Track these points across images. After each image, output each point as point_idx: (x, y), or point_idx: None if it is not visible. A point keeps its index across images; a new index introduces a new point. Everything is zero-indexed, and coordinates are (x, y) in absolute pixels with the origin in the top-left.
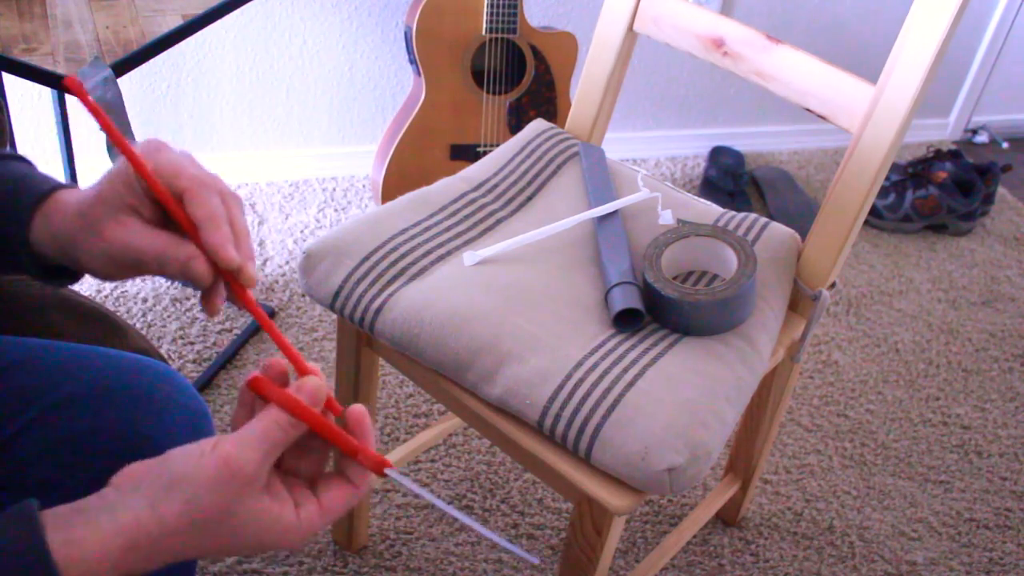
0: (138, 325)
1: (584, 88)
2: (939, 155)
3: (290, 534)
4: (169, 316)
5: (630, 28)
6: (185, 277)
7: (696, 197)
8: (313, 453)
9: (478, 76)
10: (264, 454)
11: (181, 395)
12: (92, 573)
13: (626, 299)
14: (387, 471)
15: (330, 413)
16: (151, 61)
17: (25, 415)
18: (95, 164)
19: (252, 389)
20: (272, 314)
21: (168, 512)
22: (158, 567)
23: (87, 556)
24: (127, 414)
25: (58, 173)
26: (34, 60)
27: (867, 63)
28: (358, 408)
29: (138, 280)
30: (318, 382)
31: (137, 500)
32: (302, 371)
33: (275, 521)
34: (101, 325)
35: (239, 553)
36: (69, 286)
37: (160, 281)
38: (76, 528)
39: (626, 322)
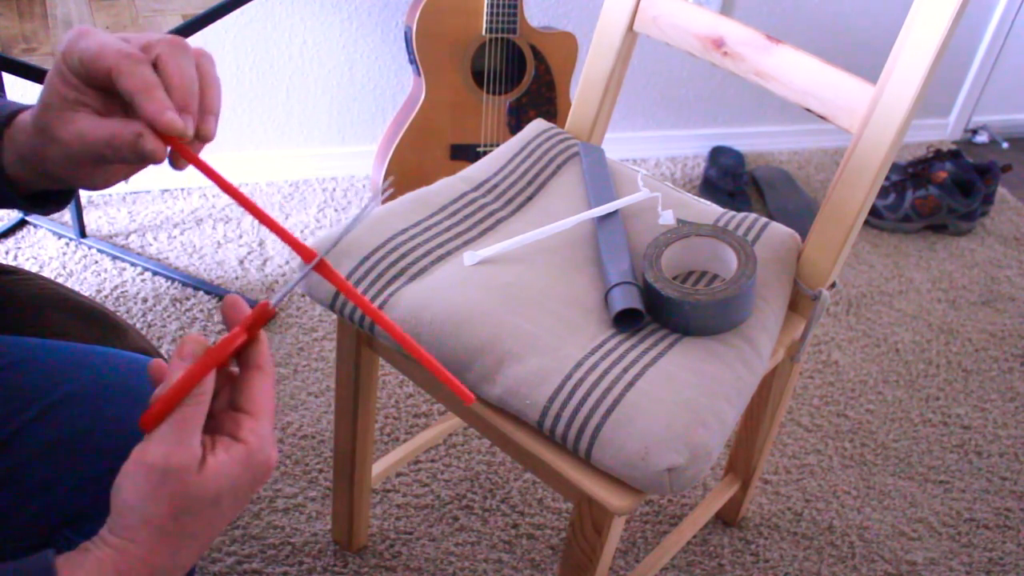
0: (138, 325)
1: (584, 88)
2: (939, 155)
3: (253, 463)
4: (169, 316)
5: (630, 28)
6: (141, 157)
7: (696, 197)
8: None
9: (478, 76)
10: (181, 438)
11: None
12: None
13: (626, 299)
14: (270, 303)
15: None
16: None
17: (25, 415)
18: None
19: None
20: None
21: (136, 537)
22: (171, 571)
23: None
24: (126, 413)
25: None
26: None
27: (867, 63)
28: (228, 299)
29: (138, 280)
30: (194, 340)
31: (110, 535)
32: (299, 250)
33: (227, 466)
34: (101, 325)
35: (234, 514)
36: (56, 212)
37: (160, 281)
38: (78, 570)
39: (626, 322)
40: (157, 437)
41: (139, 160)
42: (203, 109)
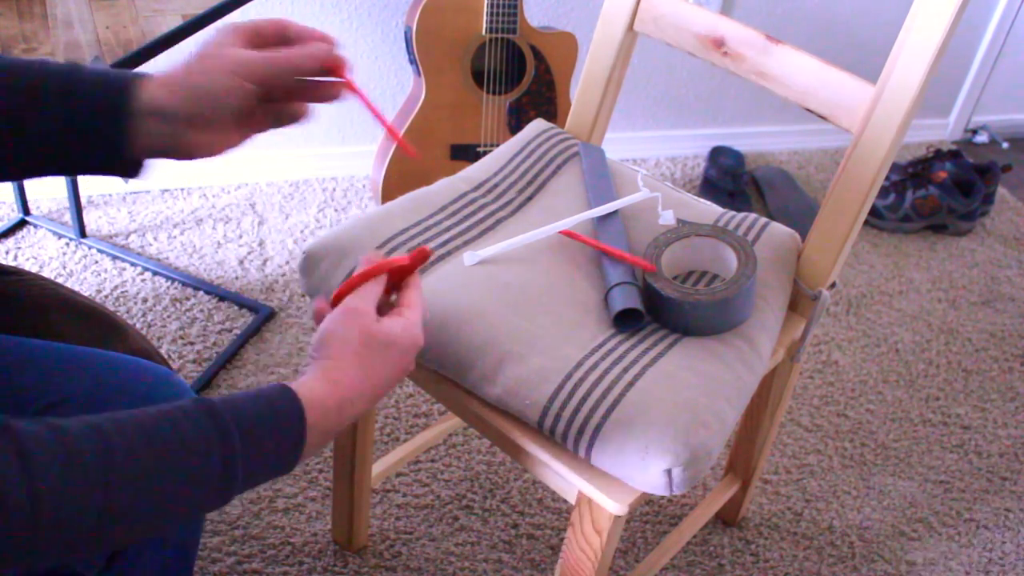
0: (138, 325)
1: (584, 88)
2: (939, 155)
3: (409, 328)
4: (169, 316)
5: (630, 28)
6: (326, 64)
7: (696, 197)
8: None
9: (478, 76)
10: (367, 298)
11: (179, 398)
12: (324, 410)
13: (626, 299)
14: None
15: None
16: (151, 61)
17: (24, 414)
18: None
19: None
20: (272, 315)
21: (335, 352)
22: (359, 402)
23: (316, 397)
24: None
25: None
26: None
27: (867, 63)
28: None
29: (138, 280)
30: (375, 253)
31: (319, 361)
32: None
33: (395, 326)
34: (101, 325)
35: (396, 372)
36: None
37: (160, 281)
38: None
39: (626, 322)
40: (350, 298)
41: (320, 74)
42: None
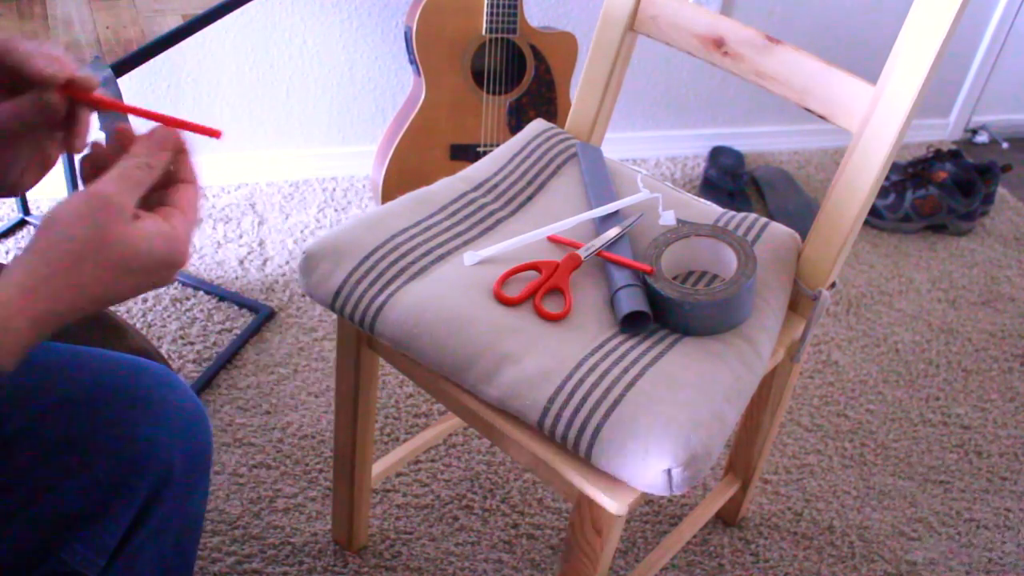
0: (138, 325)
1: (584, 88)
2: (939, 155)
3: (172, 241)
4: (169, 316)
5: (630, 28)
6: (45, 112)
7: (696, 197)
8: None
9: (478, 76)
10: (126, 185)
11: (179, 397)
12: (9, 329)
13: (633, 302)
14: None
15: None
16: (151, 61)
17: (23, 414)
18: None
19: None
20: (272, 315)
21: (48, 248)
22: (68, 316)
23: None
24: (125, 416)
25: (57, 171)
26: None
27: (867, 63)
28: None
29: None
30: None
31: (26, 253)
32: (202, 131)
33: (152, 234)
34: (101, 325)
35: (130, 293)
36: None
37: None
38: None
39: (633, 325)
40: (108, 177)
41: (41, 118)
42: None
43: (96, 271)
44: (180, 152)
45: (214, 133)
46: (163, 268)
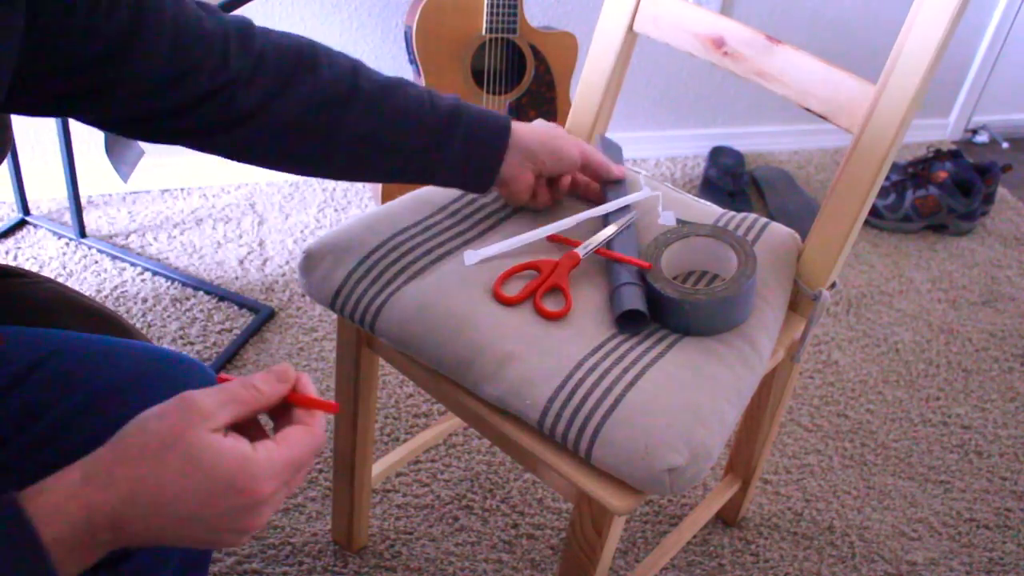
0: (138, 325)
1: (584, 88)
2: (939, 155)
3: (246, 464)
4: (169, 316)
5: (630, 28)
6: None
7: (696, 197)
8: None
9: (478, 76)
10: (223, 398)
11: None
12: (63, 513)
13: (630, 300)
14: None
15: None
16: None
17: (70, 401)
18: (95, 163)
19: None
20: (272, 315)
21: (122, 435)
22: (125, 514)
23: (52, 501)
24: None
25: (57, 172)
26: None
27: (867, 63)
28: (299, 377)
29: (138, 280)
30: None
31: (105, 444)
32: (322, 407)
33: (227, 450)
34: (107, 326)
35: (204, 499)
36: None
37: (160, 281)
38: (43, 486)
39: (629, 324)
40: (209, 390)
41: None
42: None
43: (156, 466)
44: (312, 405)
45: (332, 408)
46: (229, 492)
